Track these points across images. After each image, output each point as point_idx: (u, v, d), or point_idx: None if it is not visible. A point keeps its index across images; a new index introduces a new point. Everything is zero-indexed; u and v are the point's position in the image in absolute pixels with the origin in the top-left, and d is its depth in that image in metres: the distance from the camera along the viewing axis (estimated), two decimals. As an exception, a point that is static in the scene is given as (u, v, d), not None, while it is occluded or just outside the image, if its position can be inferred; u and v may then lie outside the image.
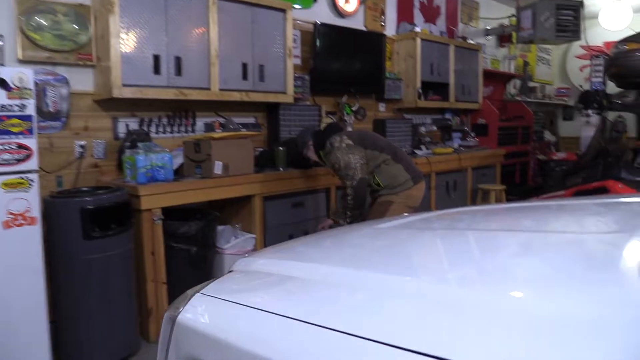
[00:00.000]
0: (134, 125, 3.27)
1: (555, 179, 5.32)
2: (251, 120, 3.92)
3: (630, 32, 6.14)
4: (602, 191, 3.34)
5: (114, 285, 2.53)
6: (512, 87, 7.20)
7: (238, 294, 1.03)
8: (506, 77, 6.79)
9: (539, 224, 1.41)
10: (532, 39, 5.98)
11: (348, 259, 1.18)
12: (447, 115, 5.93)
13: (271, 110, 4.02)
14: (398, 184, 3.10)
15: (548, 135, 7.44)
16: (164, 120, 3.43)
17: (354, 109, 4.67)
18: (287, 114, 4.04)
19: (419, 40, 5.06)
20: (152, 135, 3.28)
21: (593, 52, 7.94)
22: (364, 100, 4.84)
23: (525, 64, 7.43)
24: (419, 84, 5.09)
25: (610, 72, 5.76)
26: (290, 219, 3.59)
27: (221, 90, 3.36)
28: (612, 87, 5.84)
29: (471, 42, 6.00)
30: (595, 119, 5.32)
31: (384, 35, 4.90)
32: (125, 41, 2.90)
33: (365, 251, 1.28)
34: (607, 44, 7.78)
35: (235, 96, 3.46)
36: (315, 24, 4.24)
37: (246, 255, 1.32)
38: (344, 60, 4.50)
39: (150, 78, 3.01)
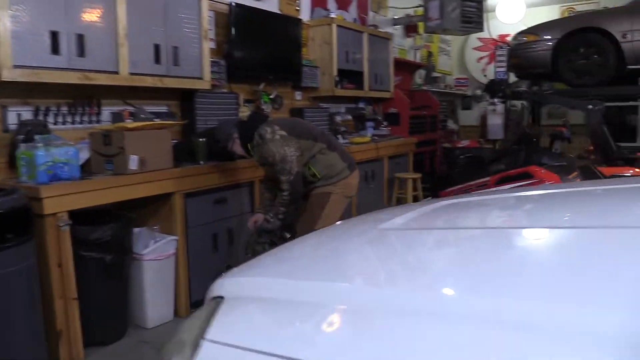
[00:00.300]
0: (27, 115, 2.78)
1: (462, 166, 5.51)
2: (163, 109, 3.54)
3: (522, 26, 6.54)
4: (526, 176, 3.45)
5: (15, 307, 2.10)
6: (418, 77, 7.37)
7: (259, 337, 0.78)
8: (414, 67, 6.92)
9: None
10: (440, 29, 6.13)
11: (379, 273, 0.95)
12: (361, 105, 5.89)
13: (185, 98, 3.67)
14: (335, 174, 2.95)
15: (451, 124, 7.74)
16: (64, 109, 2.96)
17: (271, 97, 4.44)
18: (204, 103, 3.71)
19: (334, 27, 4.93)
20: (51, 126, 2.81)
21: (490, 44, 8.39)
22: (281, 89, 4.62)
23: (429, 54, 7.64)
24: (335, 72, 4.98)
25: (511, 63, 6.09)
26: (213, 217, 3.30)
27: (131, 74, 2.96)
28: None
29: (381, 30, 6.00)
30: (500, 107, 5.57)
31: (301, 20, 4.70)
32: (17, 14, 2.42)
33: (397, 261, 1.01)
34: (501, 36, 8.26)
35: (148, 81, 3.07)
36: (230, 5, 3.93)
37: (228, 272, 1.04)
38: (260, 45, 4.24)
39: (47, 58, 2.55)
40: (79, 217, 2.50)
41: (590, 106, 3.69)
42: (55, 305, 2.39)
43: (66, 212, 2.40)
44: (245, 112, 4.11)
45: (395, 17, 6.66)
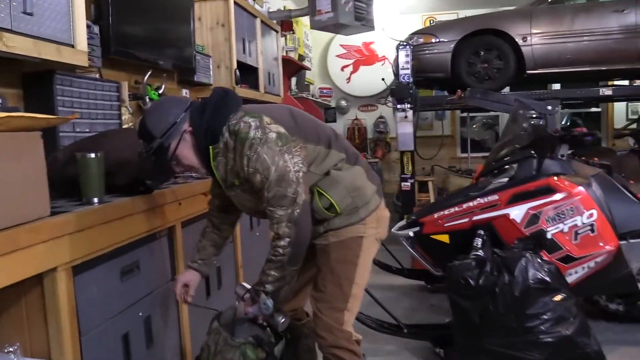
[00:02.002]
0: None
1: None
2: (-5, 100, 1.85)
3: (381, 34, 5.95)
4: (546, 192, 2.64)
5: None
6: (293, 84, 6.35)
7: None
8: (294, 70, 5.87)
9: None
10: (331, 25, 5.19)
11: None
12: (249, 112, 4.60)
13: (35, 82, 2.02)
14: (363, 204, 1.72)
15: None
16: None
17: (160, 92, 2.92)
18: (66, 92, 2.10)
19: (232, 4, 3.62)
20: None
21: (353, 52, 7.81)
22: (166, 83, 3.13)
23: (301, 58, 6.69)
24: (234, 64, 3.65)
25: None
26: (122, 302, 1.74)
27: None
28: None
29: (271, 20, 4.84)
30: (410, 114, 4.85)
31: (190, -12, 3.29)
32: None
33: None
34: (365, 44, 7.74)
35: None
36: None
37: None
38: (144, 14, 2.73)
39: None
40: None
41: (550, 107, 3.15)
42: None
43: None
44: (126, 115, 2.55)
45: (271, 9, 5.54)
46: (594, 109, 7.72)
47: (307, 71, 6.92)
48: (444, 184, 6.26)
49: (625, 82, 5.84)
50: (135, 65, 2.71)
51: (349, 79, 7.84)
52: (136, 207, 1.79)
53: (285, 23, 5.91)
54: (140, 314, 1.85)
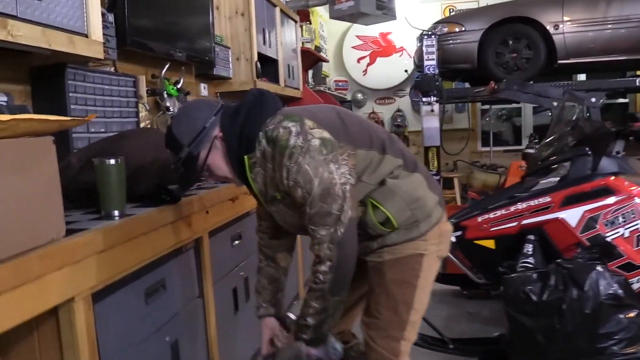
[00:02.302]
0: None
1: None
2: (1, 97, 1.63)
3: (399, 23, 5.69)
4: (605, 193, 2.40)
5: None
6: (310, 77, 6.10)
7: None
8: (312, 61, 5.62)
9: None
10: (352, 15, 4.95)
11: None
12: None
13: (44, 77, 1.80)
14: (424, 216, 1.48)
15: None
16: None
17: (178, 86, 2.70)
18: (80, 88, 1.88)
19: (252, -9, 3.38)
20: None
21: (370, 43, 7.55)
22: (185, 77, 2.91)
23: (317, 49, 6.44)
24: (255, 56, 3.42)
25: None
26: (148, 328, 1.53)
27: None
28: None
29: (290, 9, 4.59)
30: (437, 108, 4.60)
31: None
32: None
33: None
34: (382, 34, 7.48)
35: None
36: None
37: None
38: (163, 4, 2.50)
39: None
40: None
41: (594, 99, 2.90)
42: None
43: None
44: (143, 112, 2.33)
45: (287, -1, 5.30)
46: (620, 100, 7.41)
47: (324, 63, 6.67)
48: (468, 180, 6.00)
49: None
50: (151, 58, 2.49)
51: (365, 71, 7.58)
52: (162, 219, 1.57)
53: (302, 13, 5.66)
54: (167, 338, 1.63)
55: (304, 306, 1.45)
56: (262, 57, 3.58)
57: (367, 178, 1.44)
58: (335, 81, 7.53)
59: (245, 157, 1.40)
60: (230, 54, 3.30)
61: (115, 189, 1.44)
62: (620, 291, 1.85)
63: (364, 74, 7.58)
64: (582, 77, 6.54)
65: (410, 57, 7.34)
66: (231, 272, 2.22)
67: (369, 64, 7.56)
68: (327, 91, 6.21)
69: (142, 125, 2.25)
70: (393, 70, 7.48)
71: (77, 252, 1.16)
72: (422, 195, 1.48)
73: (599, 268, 1.88)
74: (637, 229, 2.37)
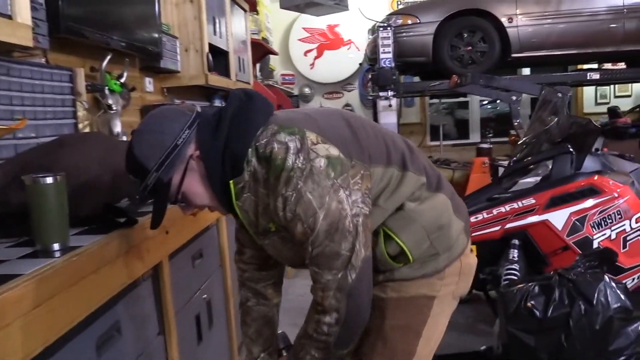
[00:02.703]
0: None
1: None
2: None
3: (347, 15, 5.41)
4: (590, 193, 2.29)
5: None
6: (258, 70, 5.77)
7: None
8: (260, 55, 5.30)
9: None
10: (303, 4, 4.68)
11: None
12: (217, 103, 4.03)
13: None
14: (445, 248, 1.23)
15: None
16: None
17: (121, 81, 2.33)
18: (3, 83, 1.51)
19: (201, -26, 3.03)
20: None
21: (317, 35, 7.30)
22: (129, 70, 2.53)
23: (265, 41, 6.10)
24: (206, 48, 3.08)
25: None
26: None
27: None
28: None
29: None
30: (394, 102, 4.43)
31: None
32: None
33: None
34: (329, 27, 7.25)
35: None
36: None
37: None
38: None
39: None
40: None
41: (560, 94, 2.83)
42: None
43: None
44: (81, 112, 1.96)
45: (233, -13, 4.93)
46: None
47: (270, 57, 6.35)
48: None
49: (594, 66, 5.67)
50: (90, 47, 2.11)
51: (312, 64, 7.32)
52: (116, 249, 1.25)
53: (249, 2, 5.31)
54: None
55: (301, 349, 1.18)
56: (211, 49, 3.24)
57: (384, 202, 1.17)
58: (282, 75, 7.21)
59: (231, 182, 1.11)
60: (178, 44, 2.94)
61: (55, 216, 1.11)
62: (628, 303, 1.72)
63: (312, 68, 7.32)
64: (526, 71, 6.62)
65: (359, 50, 7.18)
66: (193, 297, 1.92)
67: (316, 57, 7.31)
68: (276, 85, 5.91)
69: (81, 127, 1.88)
70: (341, 63, 7.27)
71: (5, 315, 0.84)
72: (446, 223, 1.22)
73: (606, 279, 1.74)
74: (624, 230, 2.28)
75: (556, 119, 2.43)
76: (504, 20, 4.73)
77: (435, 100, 7.24)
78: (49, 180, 1.10)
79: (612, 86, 6.94)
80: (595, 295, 1.70)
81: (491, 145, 5.21)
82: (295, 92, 7.42)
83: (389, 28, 4.54)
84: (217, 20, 3.35)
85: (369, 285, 1.13)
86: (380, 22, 4.87)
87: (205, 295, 2.04)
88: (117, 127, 2.24)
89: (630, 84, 6.92)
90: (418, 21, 4.86)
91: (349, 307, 1.08)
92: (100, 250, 1.17)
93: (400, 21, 4.88)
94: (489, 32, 4.78)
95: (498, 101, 7.36)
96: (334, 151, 1.08)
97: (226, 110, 1.12)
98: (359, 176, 1.10)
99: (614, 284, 1.74)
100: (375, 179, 1.14)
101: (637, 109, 5.69)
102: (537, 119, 2.62)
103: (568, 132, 2.35)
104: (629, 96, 7.08)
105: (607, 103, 7.03)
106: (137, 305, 1.44)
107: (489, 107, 8.03)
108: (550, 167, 2.43)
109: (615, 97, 7.04)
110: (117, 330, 1.30)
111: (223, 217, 2.28)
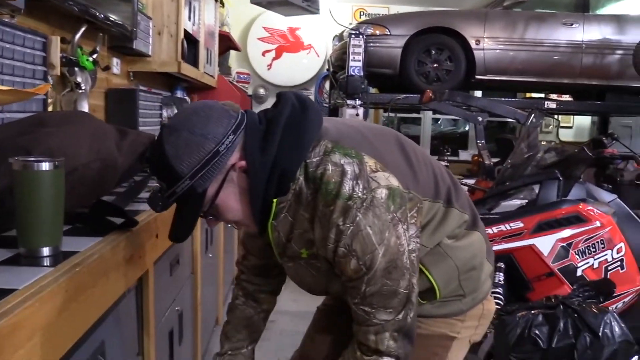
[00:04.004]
0: None
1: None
2: None
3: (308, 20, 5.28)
4: (576, 221, 2.28)
5: None
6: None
7: None
8: (224, 49, 5.04)
9: None
10: (274, 1, 4.49)
11: None
12: (178, 93, 3.75)
13: None
14: (471, 290, 1.13)
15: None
16: None
17: (93, 57, 2.04)
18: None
19: (181, -47, 2.78)
20: None
21: (277, 36, 7.11)
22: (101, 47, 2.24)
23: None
24: (182, 33, 2.84)
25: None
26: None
27: None
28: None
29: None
30: (361, 112, 4.34)
31: None
32: None
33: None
34: (290, 29, 7.09)
35: None
36: None
37: None
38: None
39: None
40: None
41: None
42: None
43: None
44: (48, 89, 1.68)
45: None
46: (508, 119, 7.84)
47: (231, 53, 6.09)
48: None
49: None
50: (63, 16, 1.83)
51: (270, 65, 7.11)
52: (115, 257, 1.03)
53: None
54: None
55: None
56: (184, 36, 2.99)
57: (426, 239, 1.05)
58: (237, 73, 6.95)
59: (274, 200, 0.95)
60: (151, 26, 2.67)
61: (49, 213, 0.88)
62: (630, 336, 1.69)
63: (269, 69, 7.11)
64: (477, 93, 6.78)
65: (318, 56, 7.09)
66: (168, 309, 1.69)
67: (274, 58, 7.11)
68: (235, 83, 5.66)
69: (50, 107, 1.61)
70: (299, 67, 7.13)
71: None
72: (478, 265, 1.13)
73: (612, 311, 1.70)
74: (606, 259, 2.28)
75: (544, 142, 2.41)
76: (471, 41, 4.78)
77: (389, 114, 7.25)
78: (46, 166, 0.87)
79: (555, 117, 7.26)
80: (601, 327, 1.65)
81: (448, 164, 5.24)
82: (250, 91, 7.18)
83: (360, 36, 4.44)
84: (193, 6, 3.11)
85: (414, 325, 1.02)
86: (352, 29, 4.77)
87: (178, 307, 1.81)
88: (84, 110, 1.97)
89: (572, 117, 7.26)
90: (388, 33, 4.81)
91: (408, 349, 0.98)
92: (101, 258, 0.95)
93: (370, 30, 4.81)
94: (456, 52, 4.81)
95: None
96: (394, 181, 0.95)
97: (278, 118, 0.96)
98: (416, 209, 1.00)
99: (617, 316, 1.70)
100: (423, 213, 1.03)
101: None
102: (523, 142, 2.60)
103: (557, 158, 2.33)
104: (570, 127, 7.43)
105: (550, 132, 7.35)
106: (121, 322, 1.21)
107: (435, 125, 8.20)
108: (536, 191, 2.40)
109: (559, 127, 7.36)
110: (101, 353, 1.07)
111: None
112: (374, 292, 0.94)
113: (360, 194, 0.90)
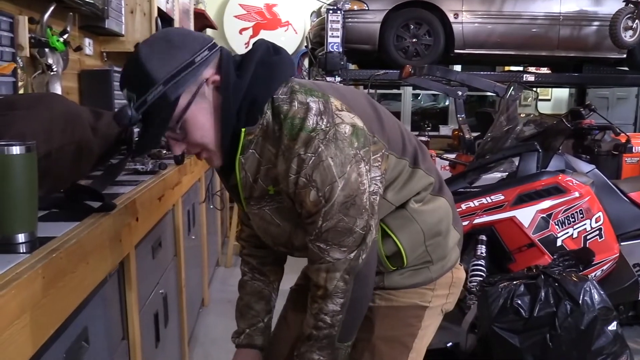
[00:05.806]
0: None
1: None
2: None
3: None
4: (555, 191, 2.31)
5: None
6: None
7: None
8: (199, 27, 4.93)
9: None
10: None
11: None
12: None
13: None
14: (439, 257, 1.15)
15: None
16: None
17: (63, 38, 1.98)
18: None
19: None
20: None
21: (254, 13, 6.99)
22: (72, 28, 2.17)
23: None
24: (155, 11, 2.76)
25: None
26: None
27: None
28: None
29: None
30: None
31: None
32: None
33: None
34: (267, 6, 6.97)
35: None
36: None
37: None
38: None
39: None
40: None
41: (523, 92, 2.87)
42: None
43: None
44: (17, 70, 1.62)
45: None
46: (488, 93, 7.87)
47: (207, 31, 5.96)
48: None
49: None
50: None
51: (247, 43, 6.98)
52: (93, 241, 1.00)
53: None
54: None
55: (308, 350, 1.05)
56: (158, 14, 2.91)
57: (391, 195, 1.07)
58: (214, 52, 6.84)
59: (243, 129, 0.97)
60: (123, 4, 2.59)
61: (23, 198, 0.85)
62: (609, 302, 1.73)
63: (246, 47, 6.96)
64: (457, 68, 6.78)
65: (296, 33, 6.99)
66: (152, 292, 1.67)
67: (252, 36, 6.98)
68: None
69: (21, 90, 1.55)
70: (277, 44, 7.02)
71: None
72: (444, 230, 1.14)
73: (591, 279, 1.73)
74: (585, 229, 2.33)
75: (523, 115, 2.42)
76: (450, 15, 4.75)
77: (369, 90, 7.23)
78: (17, 150, 0.84)
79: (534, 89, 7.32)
80: (581, 295, 1.69)
81: (429, 139, 5.27)
82: (228, 71, 7.09)
83: (338, 12, 4.39)
84: (165, -17, 3.02)
85: (374, 269, 1.05)
86: (330, 5, 4.71)
87: (162, 290, 1.80)
88: (57, 92, 1.91)
89: (550, 89, 7.32)
90: (366, 8, 4.76)
91: (355, 292, 1.01)
92: (79, 243, 0.93)
93: (348, 6, 4.75)
94: (435, 26, 4.78)
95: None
96: (359, 122, 0.99)
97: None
98: (380, 154, 1.02)
99: (596, 284, 1.74)
100: (390, 165, 1.05)
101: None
102: (502, 115, 2.61)
103: (536, 130, 2.35)
104: (549, 100, 7.50)
105: (529, 105, 7.40)
106: (104, 307, 1.20)
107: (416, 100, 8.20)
108: (516, 163, 2.42)
109: (537, 99, 7.41)
110: (85, 339, 1.06)
111: (180, 199, 2.04)
112: (330, 227, 0.97)
113: (323, 127, 0.94)
